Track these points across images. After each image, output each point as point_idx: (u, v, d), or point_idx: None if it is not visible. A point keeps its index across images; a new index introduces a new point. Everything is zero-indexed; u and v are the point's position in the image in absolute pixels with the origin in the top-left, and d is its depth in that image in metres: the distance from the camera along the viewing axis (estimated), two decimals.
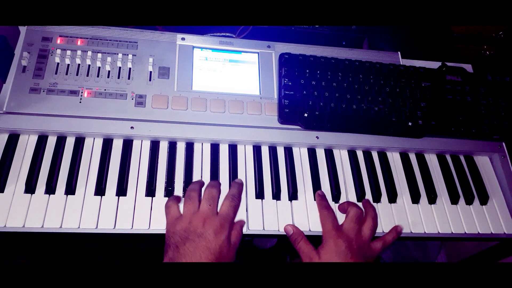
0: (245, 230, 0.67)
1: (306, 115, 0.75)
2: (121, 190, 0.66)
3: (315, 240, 0.67)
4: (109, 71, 0.75)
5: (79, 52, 0.75)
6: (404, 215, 0.73)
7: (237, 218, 0.67)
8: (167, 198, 0.67)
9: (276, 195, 0.71)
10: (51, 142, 0.69)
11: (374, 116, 0.78)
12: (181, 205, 0.65)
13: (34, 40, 0.75)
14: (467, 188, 0.79)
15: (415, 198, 0.75)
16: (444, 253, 1.18)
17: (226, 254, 0.60)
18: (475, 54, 1.06)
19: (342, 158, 0.78)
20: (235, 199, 0.66)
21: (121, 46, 0.78)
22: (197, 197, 0.65)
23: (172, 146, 0.73)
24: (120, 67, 0.76)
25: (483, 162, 0.84)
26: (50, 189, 0.65)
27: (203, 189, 0.68)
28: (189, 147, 0.73)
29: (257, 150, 0.75)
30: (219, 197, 0.66)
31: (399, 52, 0.90)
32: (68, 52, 0.74)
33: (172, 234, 0.61)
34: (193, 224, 0.61)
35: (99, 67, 0.75)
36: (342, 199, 0.73)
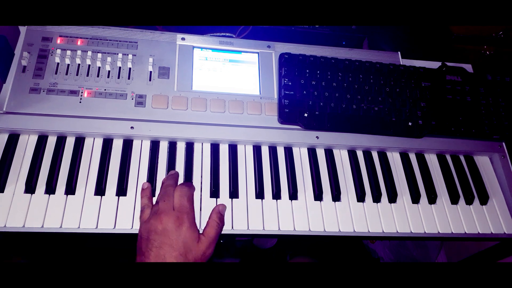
0: (245, 230, 0.67)
1: (306, 115, 0.75)
2: (121, 190, 0.66)
3: (315, 240, 0.67)
4: (109, 71, 0.75)
5: (79, 52, 0.75)
6: (404, 215, 0.73)
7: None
8: None
9: (276, 195, 0.71)
10: (51, 142, 0.69)
11: (374, 116, 0.78)
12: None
13: (34, 40, 0.75)
14: (467, 188, 0.79)
15: (415, 198, 0.75)
16: (444, 253, 1.18)
17: (193, 247, 0.57)
18: (475, 54, 1.06)
19: (342, 158, 0.78)
20: (184, 188, 0.63)
21: (121, 46, 0.78)
22: (171, 195, 0.62)
23: (172, 146, 0.73)
24: (120, 67, 0.76)
25: (483, 162, 0.84)
26: (50, 189, 0.65)
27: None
28: (189, 147, 0.73)
29: (257, 150, 0.75)
30: (191, 195, 0.64)
31: (399, 52, 0.90)
32: (68, 52, 0.74)
33: (139, 239, 0.59)
34: (152, 223, 0.58)
35: (99, 67, 0.75)
36: (343, 199, 0.73)
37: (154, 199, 0.67)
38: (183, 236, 0.57)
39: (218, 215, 0.64)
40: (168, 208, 0.60)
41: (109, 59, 0.75)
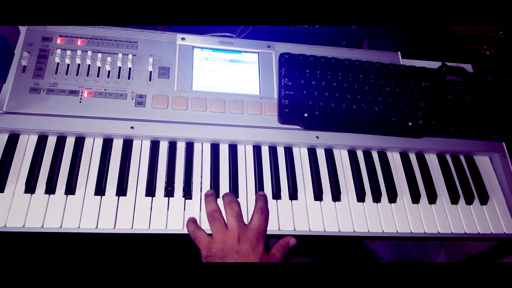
0: None
1: (306, 115, 0.75)
2: (121, 190, 0.66)
3: (315, 240, 0.67)
4: (109, 71, 0.75)
5: (79, 52, 0.75)
6: (404, 215, 0.73)
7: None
8: (167, 198, 0.68)
9: (276, 195, 0.71)
10: (51, 142, 0.69)
11: (374, 116, 0.78)
12: (203, 227, 0.65)
13: (34, 40, 0.75)
14: (467, 188, 0.79)
15: (415, 198, 0.75)
16: (444, 253, 1.18)
17: None
18: (475, 54, 1.06)
19: (342, 158, 0.78)
20: (264, 211, 0.66)
21: (121, 46, 0.78)
22: (221, 215, 0.65)
23: (172, 146, 0.73)
24: (120, 67, 0.76)
25: (483, 162, 0.84)
26: (50, 189, 0.65)
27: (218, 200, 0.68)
28: (189, 147, 0.73)
29: (257, 150, 0.75)
30: (241, 211, 0.66)
31: (399, 52, 0.90)
32: (68, 52, 0.74)
33: (210, 258, 0.60)
34: (228, 243, 0.60)
35: (99, 67, 0.75)
36: (343, 199, 0.73)
37: (154, 199, 0.67)
38: (259, 256, 0.60)
39: (287, 244, 0.66)
40: (243, 228, 0.62)
41: (109, 59, 0.75)
